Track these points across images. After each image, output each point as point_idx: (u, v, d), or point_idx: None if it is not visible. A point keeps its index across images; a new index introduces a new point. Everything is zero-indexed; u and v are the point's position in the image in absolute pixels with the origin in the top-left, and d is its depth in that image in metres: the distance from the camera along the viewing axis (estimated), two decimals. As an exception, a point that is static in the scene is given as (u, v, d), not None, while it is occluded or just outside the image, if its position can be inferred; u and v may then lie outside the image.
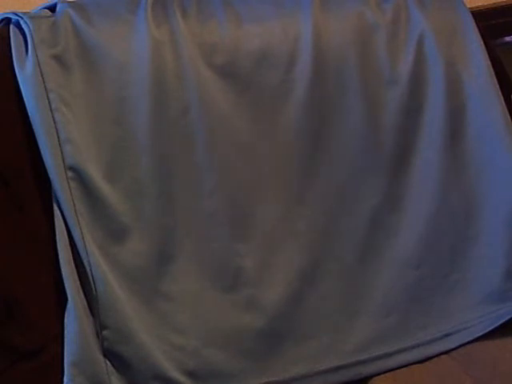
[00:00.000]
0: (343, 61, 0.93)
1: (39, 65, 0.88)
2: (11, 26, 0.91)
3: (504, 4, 1.07)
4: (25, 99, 0.88)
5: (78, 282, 0.87)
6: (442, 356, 0.92)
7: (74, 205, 0.87)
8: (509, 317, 0.92)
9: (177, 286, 0.90)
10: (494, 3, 1.07)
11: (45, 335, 0.87)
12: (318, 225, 0.92)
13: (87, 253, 0.86)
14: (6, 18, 0.92)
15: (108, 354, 0.86)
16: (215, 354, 0.89)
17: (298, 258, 0.92)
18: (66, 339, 0.86)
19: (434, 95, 0.95)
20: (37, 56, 0.88)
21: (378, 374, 0.92)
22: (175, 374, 0.87)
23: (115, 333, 0.86)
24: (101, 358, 0.86)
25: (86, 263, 0.86)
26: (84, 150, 0.88)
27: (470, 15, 0.97)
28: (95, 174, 0.88)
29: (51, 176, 0.87)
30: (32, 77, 0.88)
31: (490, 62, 0.96)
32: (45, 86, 0.88)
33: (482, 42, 0.96)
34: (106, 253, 0.88)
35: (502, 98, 0.94)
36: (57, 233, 0.87)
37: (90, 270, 0.86)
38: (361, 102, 0.93)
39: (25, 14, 0.91)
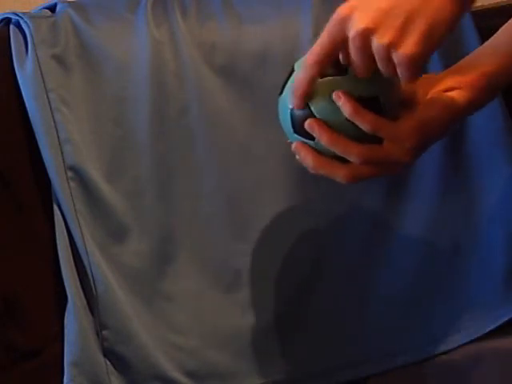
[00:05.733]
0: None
1: (39, 65, 0.88)
2: (11, 26, 0.91)
3: (504, 4, 1.07)
4: (25, 99, 0.88)
5: (78, 282, 0.87)
6: (442, 356, 0.92)
7: (74, 205, 0.87)
8: (509, 317, 0.92)
9: (177, 286, 0.90)
10: (494, 3, 1.07)
11: (45, 335, 0.88)
12: (318, 225, 0.92)
13: (87, 253, 0.87)
14: (6, 17, 0.92)
15: (108, 354, 0.87)
16: (215, 354, 0.89)
17: (298, 259, 0.92)
18: (65, 339, 0.86)
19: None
20: (37, 56, 0.88)
21: (378, 374, 0.92)
22: (175, 374, 0.87)
23: (115, 333, 0.86)
24: (101, 358, 0.86)
25: (86, 263, 0.86)
26: (84, 150, 0.88)
27: (470, 15, 0.97)
28: (95, 173, 0.88)
29: (51, 176, 0.87)
30: (32, 77, 0.88)
31: (489, 62, 0.96)
32: (45, 86, 0.88)
33: (481, 43, 0.96)
34: (106, 253, 0.88)
35: (501, 97, 0.94)
36: (57, 233, 0.87)
37: (90, 269, 0.86)
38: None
39: (25, 14, 0.92)
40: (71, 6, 0.93)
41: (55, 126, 0.87)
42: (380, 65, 0.68)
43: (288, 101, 0.75)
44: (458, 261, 0.94)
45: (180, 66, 0.91)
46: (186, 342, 0.89)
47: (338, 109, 0.71)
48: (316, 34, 0.90)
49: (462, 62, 0.80)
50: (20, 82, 0.88)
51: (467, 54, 0.82)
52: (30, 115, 0.88)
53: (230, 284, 0.91)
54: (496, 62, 0.77)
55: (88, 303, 0.87)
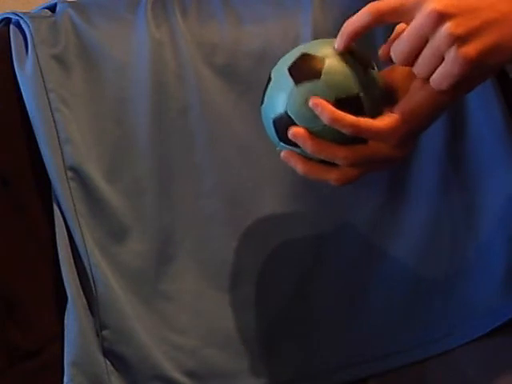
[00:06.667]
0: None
1: (39, 65, 0.88)
2: (11, 26, 0.91)
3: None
4: (25, 99, 0.88)
5: (78, 282, 0.87)
6: (442, 356, 0.92)
7: (74, 205, 0.87)
8: (509, 317, 0.91)
9: (176, 286, 0.90)
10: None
11: (45, 335, 0.88)
12: (318, 225, 0.92)
13: (87, 253, 0.87)
14: (6, 17, 0.92)
15: (108, 354, 0.87)
16: (215, 354, 0.89)
17: (298, 258, 0.92)
18: (66, 339, 0.86)
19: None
20: (37, 56, 0.88)
21: (378, 374, 0.92)
22: (175, 374, 0.87)
23: (115, 333, 0.86)
24: (101, 357, 0.86)
25: (85, 263, 0.87)
26: (84, 150, 0.88)
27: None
28: (95, 174, 0.88)
29: (51, 176, 0.87)
30: (32, 77, 0.88)
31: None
32: (45, 86, 0.88)
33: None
34: (106, 253, 0.88)
35: (501, 96, 0.94)
36: (57, 233, 0.87)
37: (90, 269, 0.86)
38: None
39: (25, 14, 0.92)
40: (71, 6, 0.93)
41: (55, 126, 0.87)
42: (426, 54, 0.68)
43: (269, 111, 0.75)
44: (458, 261, 0.94)
45: (180, 66, 0.91)
46: (185, 342, 0.89)
47: (317, 115, 0.71)
48: (316, 34, 0.91)
49: None
50: (20, 82, 0.88)
51: None
52: (29, 115, 0.88)
53: (229, 284, 0.91)
54: None
55: (88, 303, 0.87)
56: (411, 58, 0.71)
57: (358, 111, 0.71)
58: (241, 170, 0.91)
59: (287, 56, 0.76)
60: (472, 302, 0.93)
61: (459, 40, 0.66)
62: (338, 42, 0.73)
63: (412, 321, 0.93)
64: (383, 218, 0.93)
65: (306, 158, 0.75)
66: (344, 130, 0.71)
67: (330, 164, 0.74)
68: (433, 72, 0.69)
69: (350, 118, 0.70)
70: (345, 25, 0.72)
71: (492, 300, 0.93)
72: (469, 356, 0.90)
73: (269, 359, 0.90)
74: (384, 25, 0.73)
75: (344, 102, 0.71)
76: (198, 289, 0.90)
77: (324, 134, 0.72)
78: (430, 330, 0.93)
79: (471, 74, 0.68)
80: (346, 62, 0.73)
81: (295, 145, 0.74)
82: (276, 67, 0.77)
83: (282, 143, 0.75)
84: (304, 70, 0.73)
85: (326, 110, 0.70)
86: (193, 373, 0.88)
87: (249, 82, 0.92)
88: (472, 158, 0.94)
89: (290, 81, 0.73)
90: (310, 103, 0.71)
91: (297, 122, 0.72)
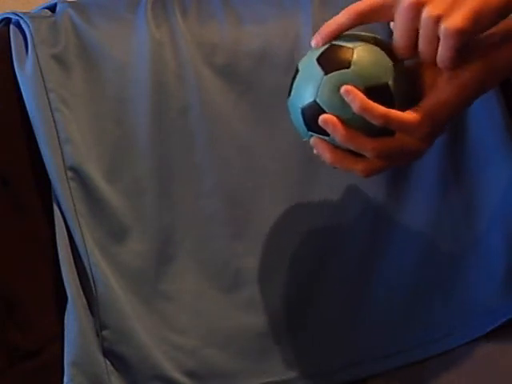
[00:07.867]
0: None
1: (39, 65, 0.88)
2: (11, 26, 0.91)
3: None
4: (25, 99, 0.88)
5: (78, 282, 0.87)
6: (442, 356, 0.92)
7: (74, 205, 0.87)
8: (509, 317, 0.92)
9: (176, 286, 0.90)
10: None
11: (45, 335, 0.88)
12: (318, 225, 0.92)
13: (87, 253, 0.87)
14: (6, 17, 0.92)
15: (108, 354, 0.87)
16: (215, 354, 0.89)
17: (299, 259, 0.92)
18: (66, 339, 0.86)
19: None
20: (37, 56, 0.88)
21: (378, 374, 0.92)
22: (175, 374, 0.87)
23: (115, 333, 0.86)
24: (101, 358, 0.86)
25: (85, 263, 0.87)
26: (84, 150, 0.88)
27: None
28: (95, 174, 0.88)
29: (51, 176, 0.87)
30: (32, 77, 0.88)
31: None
32: (45, 86, 0.88)
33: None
34: (106, 253, 0.88)
35: (502, 98, 0.94)
36: (57, 233, 0.87)
37: (90, 269, 0.86)
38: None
39: (25, 14, 0.92)
40: (71, 6, 0.93)
41: (55, 126, 0.87)
42: (422, 41, 0.70)
43: (298, 100, 0.75)
44: (458, 260, 0.94)
45: (180, 66, 0.91)
46: (185, 342, 0.89)
47: (347, 103, 0.71)
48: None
49: None
50: (20, 82, 0.88)
51: None
52: (29, 115, 0.88)
53: (230, 284, 0.91)
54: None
55: (88, 303, 0.87)
56: (413, 49, 0.73)
57: (387, 101, 0.72)
58: (241, 170, 0.91)
59: (315, 48, 0.77)
60: (472, 302, 0.93)
61: (442, 17, 0.68)
62: (315, 39, 0.75)
63: (412, 321, 0.93)
64: (383, 219, 0.93)
65: (334, 146, 0.75)
66: (374, 121, 0.71)
67: (357, 154, 0.75)
68: (436, 54, 0.72)
69: (380, 108, 0.71)
70: (324, 25, 0.74)
71: (492, 300, 0.93)
72: (469, 356, 0.90)
73: (269, 359, 0.90)
74: (365, 24, 0.74)
75: (374, 91, 0.72)
76: (198, 289, 0.90)
77: (352, 122, 0.72)
78: (429, 331, 0.93)
79: (468, 42, 0.70)
80: (375, 53, 0.74)
81: (324, 133, 0.74)
82: (303, 59, 0.77)
83: (310, 132, 0.76)
84: (333, 60, 0.74)
85: (358, 98, 0.71)
86: (193, 373, 0.88)
87: (249, 82, 0.92)
88: (472, 159, 0.94)
89: (319, 70, 0.74)
90: (342, 90, 0.71)
91: (326, 110, 0.73)
